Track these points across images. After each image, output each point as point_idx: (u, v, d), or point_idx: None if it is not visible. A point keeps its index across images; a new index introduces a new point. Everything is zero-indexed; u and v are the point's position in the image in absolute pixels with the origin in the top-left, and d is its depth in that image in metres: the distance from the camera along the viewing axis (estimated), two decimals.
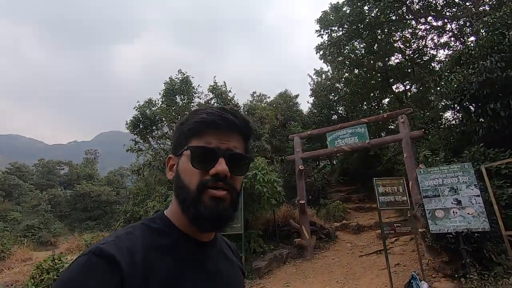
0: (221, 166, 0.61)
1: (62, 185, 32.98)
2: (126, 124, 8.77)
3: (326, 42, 10.95)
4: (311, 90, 17.09)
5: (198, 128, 0.65)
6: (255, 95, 17.71)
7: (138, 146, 8.67)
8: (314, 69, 17.83)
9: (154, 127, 8.73)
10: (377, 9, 9.64)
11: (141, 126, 8.80)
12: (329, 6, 10.93)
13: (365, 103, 14.66)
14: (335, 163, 17.19)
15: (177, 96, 9.22)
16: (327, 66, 13.80)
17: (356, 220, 10.00)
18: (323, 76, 17.41)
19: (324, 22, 10.60)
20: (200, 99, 9.29)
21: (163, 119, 9.01)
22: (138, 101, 8.58)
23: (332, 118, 15.72)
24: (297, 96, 17.01)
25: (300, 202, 7.73)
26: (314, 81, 17.31)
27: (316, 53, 11.50)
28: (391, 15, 10.19)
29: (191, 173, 0.63)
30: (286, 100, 16.32)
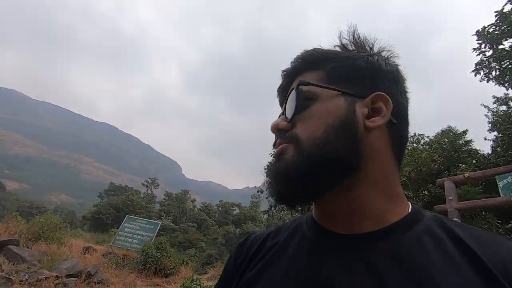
0: (272, 123, 0.49)
1: (234, 223, 39.61)
2: (264, 168, 9.97)
3: (488, 59, 8.51)
4: (490, 123, 13.20)
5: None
6: (410, 136, 15.47)
7: None
8: (494, 96, 13.82)
9: None
10: None
11: None
12: (496, 14, 8.66)
13: None
14: None
15: None
16: (507, 89, 10.41)
17: None
18: (511, 103, 13.14)
19: (486, 35, 8.40)
20: None
21: None
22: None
23: None
24: (465, 132, 13.51)
25: None
26: (493, 111, 13.34)
27: (475, 75, 9.03)
28: None
29: None
30: (450, 138, 13.26)
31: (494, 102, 14.01)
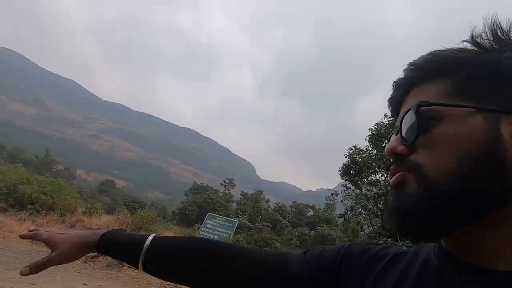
0: (387, 145, 0.43)
1: (308, 225, 39.04)
2: (339, 171, 9.60)
3: None
4: None
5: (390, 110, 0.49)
6: None
7: (347, 192, 9.05)
8: None
9: (363, 174, 8.82)
10: None
11: (352, 172, 9.21)
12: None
13: None
14: None
15: (385, 140, 8.89)
16: None
17: None
18: None
19: None
20: None
21: (374, 164, 8.91)
22: (347, 149, 9.19)
23: None
24: None
25: None
26: None
27: None
28: None
29: None
30: None
31: None
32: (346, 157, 9.34)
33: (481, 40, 0.40)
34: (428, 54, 0.42)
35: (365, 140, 9.23)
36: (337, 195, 9.44)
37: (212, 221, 10.30)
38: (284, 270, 0.53)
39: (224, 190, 51.54)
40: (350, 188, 9.35)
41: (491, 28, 0.39)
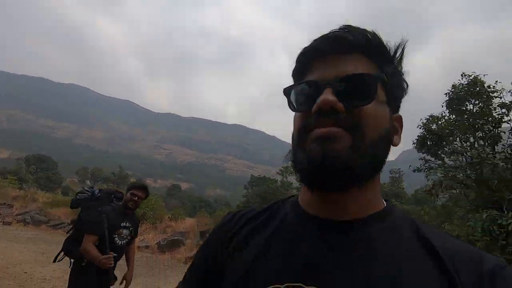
0: (323, 96, 0.43)
1: None
2: (413, 143, 8.81)
3: None
4: None
5: (300, 63, 0.50)
6: None
7: (429, 165, 8.28)
8: None
9: (444, 143, 7.98)
10: None
11: (429, 143, 8.41)
12: None
13: None
14: None
15: (466, 103, 7.82)
16: None
17: None
18: None
19: None
20: (501, 98, 7.11)
21: (455, 132, 7.98)
22: (421, 119, 8.39)
23: None
24: None
25: None
26: None
27: None
28: None
29: (295, 120, 0.49)
30: None
31: None
32: (420, 127, 8.58)
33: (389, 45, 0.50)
34: (373, 32, 0.47)
35: (442, 106, 8.36)
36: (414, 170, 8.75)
37: None
38: None
39: (282, 178, 51.89)
40: (430, 160, 8.59)
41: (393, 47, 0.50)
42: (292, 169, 0.49)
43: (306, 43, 0.50)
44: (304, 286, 0.41)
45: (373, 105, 0.44)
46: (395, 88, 0.49)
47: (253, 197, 39.79)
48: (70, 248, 2.61)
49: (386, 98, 0.47)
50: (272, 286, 0.43)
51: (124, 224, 2.60)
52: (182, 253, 8.35)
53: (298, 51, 0.49)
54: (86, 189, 2.75)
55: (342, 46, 0.46)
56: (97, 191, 2.73)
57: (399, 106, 0.52)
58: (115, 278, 2.66)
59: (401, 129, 0.52)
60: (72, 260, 2.61)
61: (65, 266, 2.78)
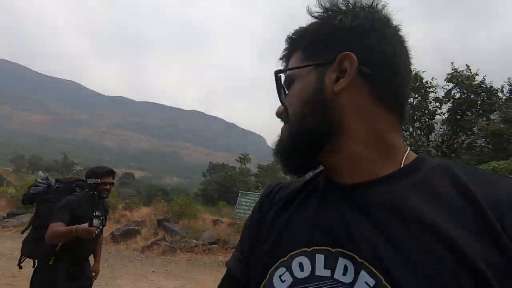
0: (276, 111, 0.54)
1: None
2: None
3: None
4: None
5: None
6: None
7: None
8: None
9: None
10: None
11: None
12: None
13: None
14: None
15: None
16: None
17: None
18: None
19: None
20: (435, 93, 8.05)
21: None
22: None
23: None
24: None
25: None
26: None
27: None
28: None
29: None
30: None
31: None
32: None
33: (322, 12, 0.49)
34: (294, 30, 0.53)
35: None
36: None
37: (245, 199, 10.72)
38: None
39: (241, 165, 52.37)
40: None
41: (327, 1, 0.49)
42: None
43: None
44: (331, 249, 0.43)
45: (292, 89, 0.50)
46: (320, 45, 0.48)
47: (212, 184, 39.64)
48: (33, 248, 2.27)
49: (311, 64, 0.48)
50: (299, 250, 0.45)
51: (95, 214, 2.31)
52: (138, 243, 8.13)
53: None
54: (40, 181, 2.42)
55: (287, 49, 0.54)
56: (53, 182, 2.42)
57: (342, 50, 0.45)
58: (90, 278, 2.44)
59: (352, 62, 0.44)
60: (36, 261, 2.30)
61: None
